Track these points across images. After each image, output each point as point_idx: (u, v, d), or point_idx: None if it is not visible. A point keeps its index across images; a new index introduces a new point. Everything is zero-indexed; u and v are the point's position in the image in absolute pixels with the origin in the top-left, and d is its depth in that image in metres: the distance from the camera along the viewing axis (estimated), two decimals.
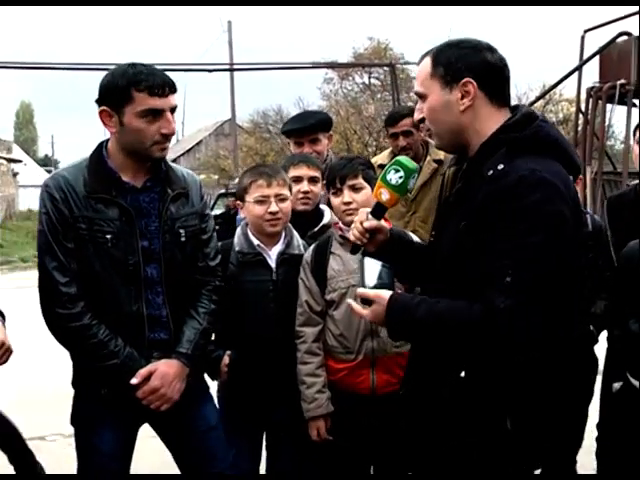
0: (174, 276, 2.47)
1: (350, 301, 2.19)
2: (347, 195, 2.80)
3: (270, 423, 3.04)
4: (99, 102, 2.37)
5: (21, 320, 8.95)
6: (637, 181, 3.60)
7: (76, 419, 2.57)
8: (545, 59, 54.58)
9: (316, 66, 22.01)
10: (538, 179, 1.80)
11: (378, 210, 2.15)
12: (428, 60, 1.99)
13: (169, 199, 2.45)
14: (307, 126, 3.82)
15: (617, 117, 12.26)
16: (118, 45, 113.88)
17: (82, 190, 2.36)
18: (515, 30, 57.94)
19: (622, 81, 11.27)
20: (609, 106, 11.81)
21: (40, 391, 6.07)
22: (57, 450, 4.77)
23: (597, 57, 11.91)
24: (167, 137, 2.38)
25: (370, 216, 2.15)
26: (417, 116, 2.15)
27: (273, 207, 2.88)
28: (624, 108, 11.53)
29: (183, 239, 2.48)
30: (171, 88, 2.36)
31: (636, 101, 11.60)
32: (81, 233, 2.35)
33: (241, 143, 29.54)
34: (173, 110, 2.38)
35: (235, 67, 22.81)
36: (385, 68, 25.52)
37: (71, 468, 4.25)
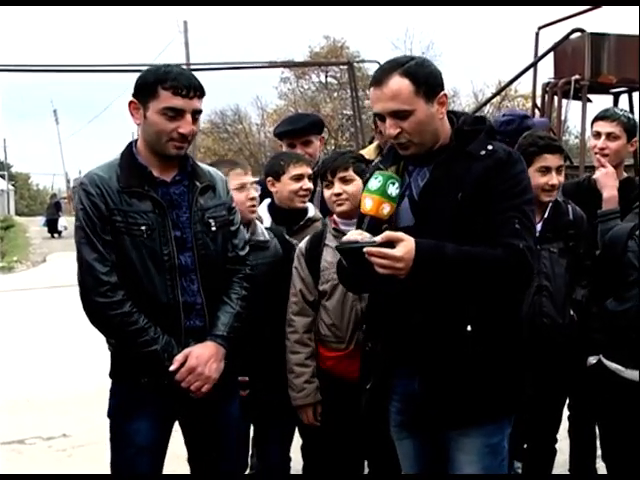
0: (208, 264, 2.53)
1: (379, 245, 2.07)
2: (337, 187, 2.90)
3: (255, 414, 3.07)
4: (133, 94, 2.47)
5: None
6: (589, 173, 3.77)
7: (113, 410, 2.59)
8: (500, 56, 55.54)
9: (274, 65, 21.98)
10: (518, 155, 2.36)
11: (376, 224, 2.21)
12: (406, 81, 2.22)
13: (197, 191, 2.54)
14: (300, 128, 3.86)
15: (572, 112, 12.41)
16: (72, 47, 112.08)
17: (116, 185, 2.44)
18: (470, 28, 58.68)
19: (576, 77, 11.50)
20: (564, 101, 12.02)
21: (17, 395, 6.03)
22: (37, 453, 4.74)
23: (551, 53, 12.13)
24: (184, 137, 2.45)
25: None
26: (393, 132, 2.25)
27: (253, 193, 2.99)
28: (579, 103, 11.77)
29: (214, 228, 2.57)
30: (196, 91, 2.43)
31: (590, 96, 11.87)
32: (117, 226, 2.43)
33: (199, 144, 29.41)
34: (196, 113, 2.45)
35: (192, 67, 22.61)
36: (342, 67, 25.69)
37: (52, 470, 4.26)
